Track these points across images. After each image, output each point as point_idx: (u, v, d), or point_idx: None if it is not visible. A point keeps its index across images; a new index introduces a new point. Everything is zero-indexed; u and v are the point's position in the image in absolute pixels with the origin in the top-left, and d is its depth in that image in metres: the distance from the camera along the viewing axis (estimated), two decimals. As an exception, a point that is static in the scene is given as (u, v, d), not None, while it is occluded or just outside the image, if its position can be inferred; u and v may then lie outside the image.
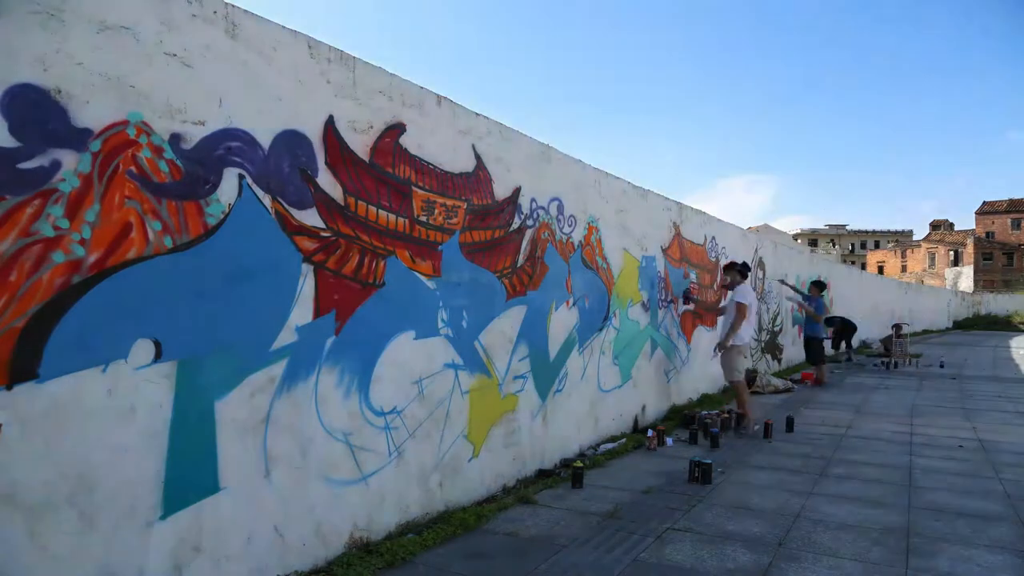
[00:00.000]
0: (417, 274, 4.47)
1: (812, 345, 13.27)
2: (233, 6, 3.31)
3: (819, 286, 13.47)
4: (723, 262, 10.78)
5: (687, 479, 5.79)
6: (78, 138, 2.71)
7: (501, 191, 5.34)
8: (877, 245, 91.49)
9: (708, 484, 5.71)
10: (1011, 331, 38.92)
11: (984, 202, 77.75)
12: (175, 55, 3.04)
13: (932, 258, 74.67)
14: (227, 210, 3.27)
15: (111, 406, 2.82)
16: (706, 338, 10.15)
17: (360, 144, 4.04)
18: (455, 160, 4.84)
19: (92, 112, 2.75)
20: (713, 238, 10.38)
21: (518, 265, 5.58)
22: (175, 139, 3.05)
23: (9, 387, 2.52)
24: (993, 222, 75.41)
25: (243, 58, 3.35)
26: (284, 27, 3.59)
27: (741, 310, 8.17)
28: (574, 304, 6.45)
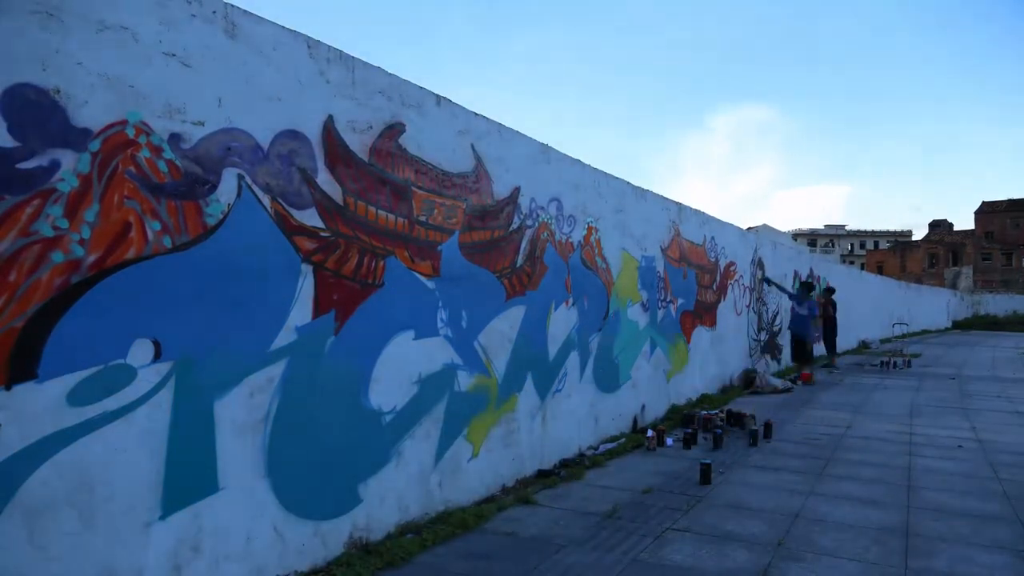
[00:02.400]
0: (416, 274, 4.47)
1: (800, 345, 13.40)
2: (232, 6, 3.31)
3: (807, 287, 13.63)
4: (723, 261, 10.80)
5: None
6: (77, 138, 2.71)
7: (500, 191, 5.34)
8: (876, 245, 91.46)
9: (708, 484, 5.72)
10: (1010, 331, 38.96)
11: (983, 202, 77.76)
12: (174, 55, 3.04)
13: (931, 258, 74.69)
14: (226, 210, 3.27)
15: (110, 406, 2.82)
16: (705, 338, 10.16)
17: (359, 144, 4.04)
18: (454, 160, 4.84)
19: (91, 112, 2.75)
20: (712, 238, 10.38)
21: (517, 265, 5.58)
22: (174, 139, 3.05)
23: (8, 387, 2.52)
24: (992, 222, 75.43)
25: (242, 58, 3.35)
26: (283, 27, 3.59)
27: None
28: (573, 304, 6.45)
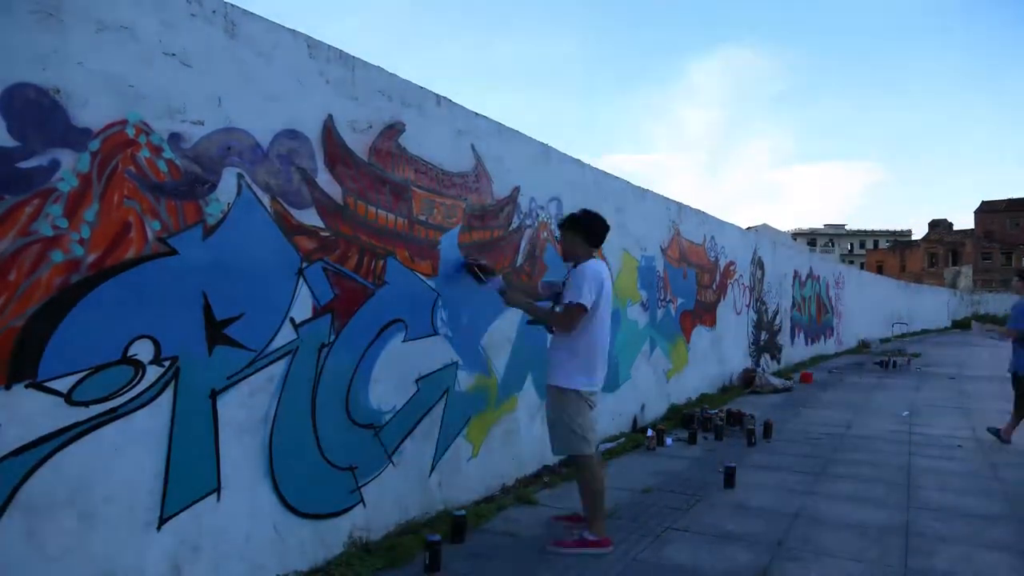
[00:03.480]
0: (416, 274, 4.47)
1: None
2: (232, 5, 3.30)
3: None
4: (722, 261, 10.79)
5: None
6: (77, 138, 2.71)
7: (500, 191, 5.34)
8: (876, 245, 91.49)
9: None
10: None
11: (983, 201, 77.78)
12: (174, 55, 3.04)
13: (931, 257, 74.68)
14: (226, 210, 3.27)
15: (110, 406, 2.81)
16: (705, 337, 10.17)
17: (359, 144, 4.04)
18: (454, 160, 4.84)
19: (91, 112, 2.74)
20: (712, 237, 10.38)
21: (517, 264, 5.57)
22: (174, 139, 3.05)
23: (8, 387, 2.51)
24: (992, 221, 75.45)
25: (242, 57, 3.34)
26: (283, 27, 3.58)
27: (570, 314, 4.17)
28: (573, 304, 6.43)
